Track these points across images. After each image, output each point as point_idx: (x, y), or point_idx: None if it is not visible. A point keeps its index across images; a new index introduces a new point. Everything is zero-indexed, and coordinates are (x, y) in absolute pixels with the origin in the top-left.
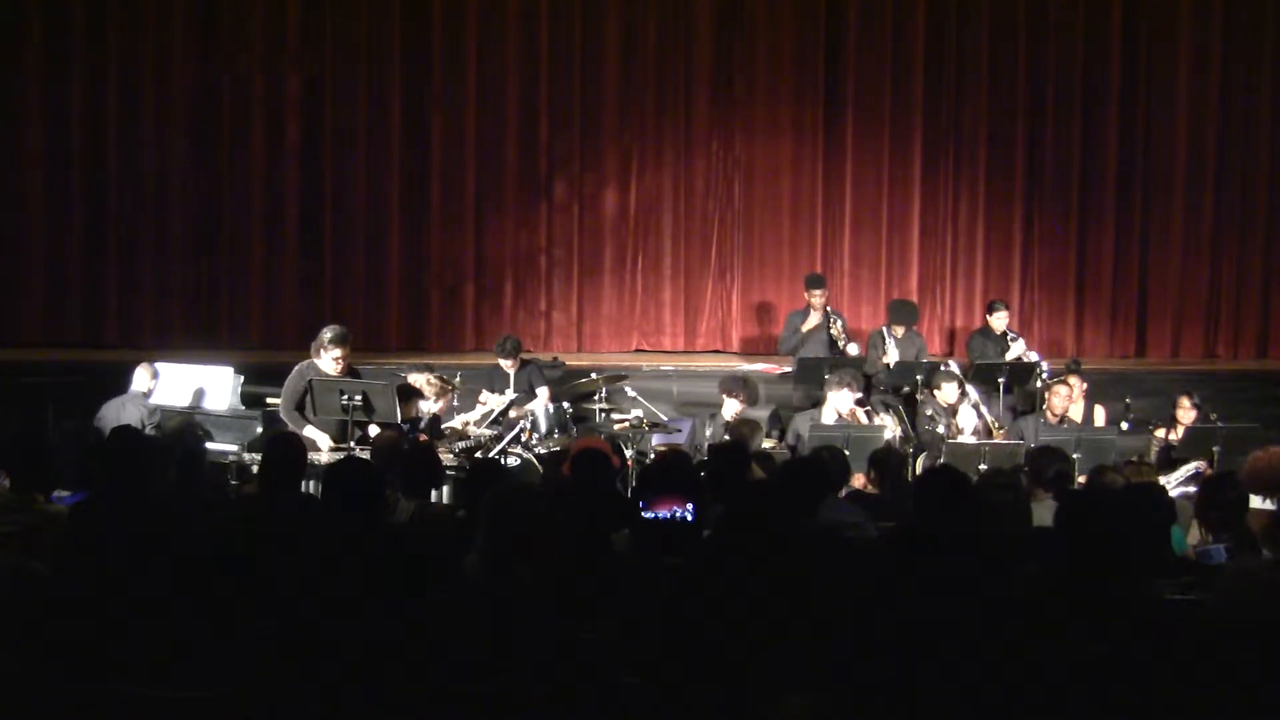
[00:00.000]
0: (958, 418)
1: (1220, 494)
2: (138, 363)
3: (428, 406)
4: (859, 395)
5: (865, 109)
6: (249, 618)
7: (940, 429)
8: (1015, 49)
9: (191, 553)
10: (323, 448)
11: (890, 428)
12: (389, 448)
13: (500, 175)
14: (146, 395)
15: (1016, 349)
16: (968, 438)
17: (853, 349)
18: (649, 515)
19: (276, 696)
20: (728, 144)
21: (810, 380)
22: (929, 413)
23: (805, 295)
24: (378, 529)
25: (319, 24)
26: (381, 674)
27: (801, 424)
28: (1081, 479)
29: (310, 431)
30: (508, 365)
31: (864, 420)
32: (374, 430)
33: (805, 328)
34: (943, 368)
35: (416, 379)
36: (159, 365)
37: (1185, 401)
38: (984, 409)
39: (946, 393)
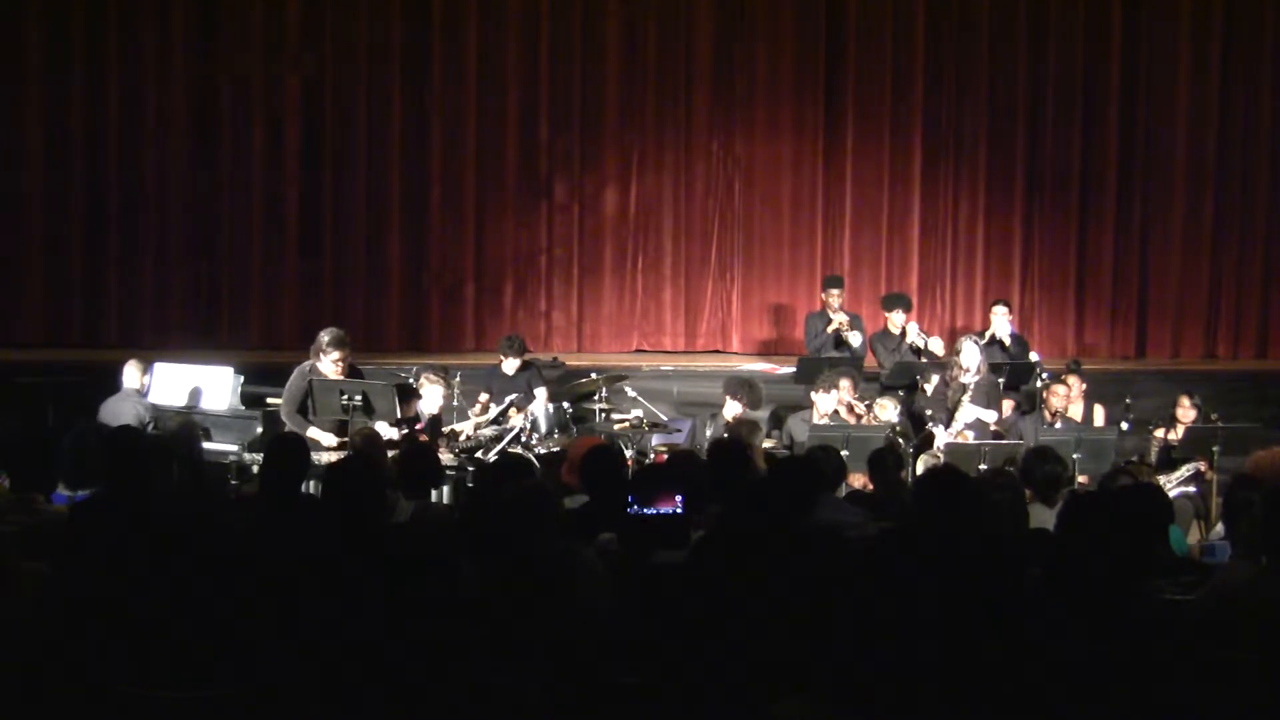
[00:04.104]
0: (958, 414)
1: (1234, 494)
2: None
3: (428, 406)
4: (856, 395)
5: (865, 109)
6: (249, 618)
7: (940, 427)
8: (1015, 50)
9: (192, 553)
10: (326, 445)
11: (892, 413)
12: (364, 442)
13: (500, 175)
14: (141, 392)
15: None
16: (942, 433)
17: (855, 338)
18: (638, 512)
19: (277, 696)
20: (728, 144)
21: (810, 380)
22: (929, 411)
23: (822, 296)
24: (377, 529)
25: (319, 24)
26: (381, 674)
27: (794, 425)
28: (1082, 479)
29: (314, 432)
30: (511, 363)
31: (863, 412)
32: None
33: (831, 329)
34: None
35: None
36: (155, 362)
37: (1185, 401)
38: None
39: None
